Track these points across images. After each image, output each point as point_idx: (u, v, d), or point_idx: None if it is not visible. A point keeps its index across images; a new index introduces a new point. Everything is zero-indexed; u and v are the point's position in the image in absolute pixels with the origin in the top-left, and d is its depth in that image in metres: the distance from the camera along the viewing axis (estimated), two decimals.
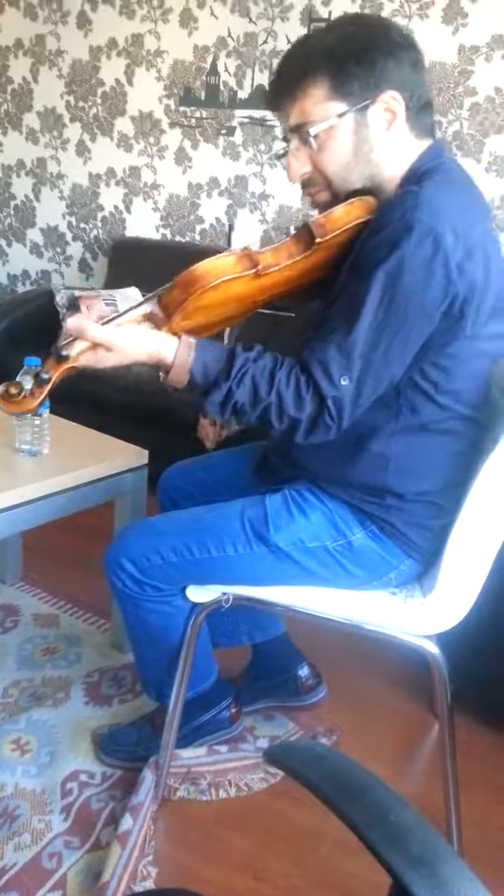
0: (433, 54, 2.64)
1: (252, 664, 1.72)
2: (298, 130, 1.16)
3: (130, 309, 1.17)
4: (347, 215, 1.17)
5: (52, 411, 1.71)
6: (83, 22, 3.38)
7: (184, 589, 1.36)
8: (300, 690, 1.69)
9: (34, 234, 3.87)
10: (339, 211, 1.17)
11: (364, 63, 1.11)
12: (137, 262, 3.22)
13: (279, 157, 1.23)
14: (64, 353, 1.10)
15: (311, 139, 1.15)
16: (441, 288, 1.08)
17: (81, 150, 3.58)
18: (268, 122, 3.03)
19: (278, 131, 3.02)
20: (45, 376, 1.08)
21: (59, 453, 1.71)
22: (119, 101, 3.40)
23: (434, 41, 2.63)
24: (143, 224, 3.49)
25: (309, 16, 2.84)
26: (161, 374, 1.16)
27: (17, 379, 1.11)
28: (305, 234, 1.17)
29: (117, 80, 3.38)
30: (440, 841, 0.57)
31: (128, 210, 3.52)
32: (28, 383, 1.10)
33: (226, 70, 3.09)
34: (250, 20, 2.98)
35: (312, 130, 1.14)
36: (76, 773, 1.52)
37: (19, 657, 1.85)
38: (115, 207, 3.55)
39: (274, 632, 1.66)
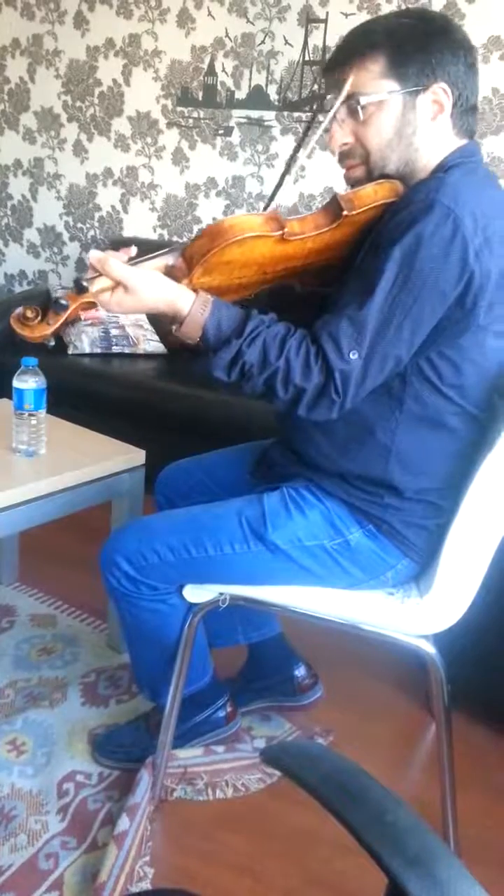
0: None
1: (248, 664, 1.72)
2: (349, 100, 1.18)
3: (153, 256, 1.18)
4: (375, 194, 1.18)
5: (49, 411, 1.71)
6: (80, 22, 3.38)
7: (180, 588, 1.36)
8: (297, 690, 1.69)
9: (31, 234, 3.86)
10: (368, 189, 1.19)
11: (423, 50, 1.14)
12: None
13: (325, 130, 1.23)
14: (84, 283, 1.11)
15: (360, 109, 1.16)
16: (457, 267, 1.08)
17: (78, 150, 3.57)
18: (265, 123, 3.03)
19: (275, 132, 3.02)
20: (63, 303, 1.10)
21: (56, 453, 1.70)
22: (116, 101, 3.40)
23: None
24: (141, 224, 3.49)
25: (306, 16, 2.85)
26: (174, 325, 1.16)
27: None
28: (333, 207, 1.18)
29: (114, 80, 3.38)
30: (437, 841, 0.57)
31: (125, 210, 3.52)
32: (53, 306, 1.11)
33: (223, 70, 3.09)
34: (248, 21, 2.98)
35: (363, 100, 1.16)
36: (73, 774, 1.51)
37: (16, 657, 1.85)
38: (113, 207, 3.55)
39: (270, 632, 1.66)
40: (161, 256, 1.18)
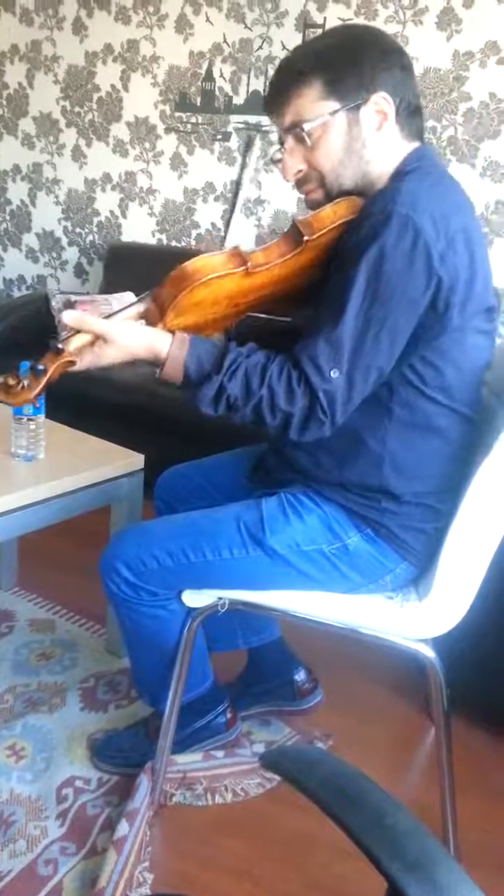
0: (428, 60, 2.66)
1: (248, 669, 1.71)
2: (293, 129, 1.19)
3: (125, 308, 1.20)
4: (335, 214, 1.19)
5: (48, 416, 1.71)
6: (79, 28, 3.39)
7: (179, 593, 1.36)
8: (296, 695, 1.69)
9: (30, 239, 3.87)
10: (327, 210, 1.19)
11: (355, 64, 1.15)
12: (133, 267, 3.22)
13: (275, 161, 1.25)
14: (60, 345, 1.13)
15: (305, 136, 1.18)
16: (424, 274, 1.09)
17: (77, 155, 3.58)
18: (263, 128, 3.04)
19: (274, 136, 3.03)
20: (41, 367, 1.12)
21: (55, 458, 1.70)
22: (115, 106, 3.41)
23: (428, 47, 2.64)
24: (139, 229, 3.49)
25: (304, 22, 2.86)
26: (157, 369, 1.17)
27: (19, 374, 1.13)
28: (294, 234, 1.19)
29: (113, 86, 3.38)
30: (436, 845, 0.57)
31: (123, 215, 3.53)
32: (26, 378, 1.12)
33: (221, 76, 3.10)
34: (245, 26, 2.99)
35: (307, 126, 1.17)
36: (72, 779, 1.51)
37: (15, 662, 1.85)
38: (111, 212, 3.56)
39: (270, 636, 1.66)
40: (132, 306, 1.20)
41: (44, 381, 1.12)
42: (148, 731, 1.55)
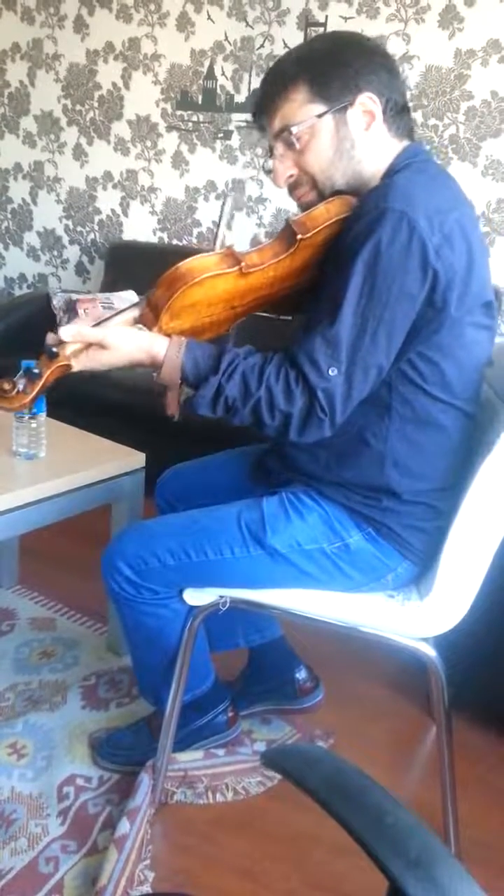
0: (429, 58, 2.66)
1: (249, 667, 1.72)
2: (282, 134, 1.20)
3: (120, 311, 1.20)
4: (328, 212, 1.19)
5: (49, 414, 1.71)
6: (80, 26, 3.39)
7: (181, 592, 1.36)
8: (297, 693, 1.69)
9: (31, 238, 3.87)
10: (320, 209, 1.19)
11: (340, 65, 1.16)
12: (134, 266, 3.22)
13: (267, 171, 1.26)
14: (54, 349, 1.13)
15: (294, 140, 1.18)
16: (419, 270, 1.09)
17: (78, 153, 3.58)
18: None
19: None
20: (36, 371, 1.11)
21: (56, 456, 1.71)
22: (116, 104, 3.40)
23: (430, 45, 2.64)
24: (141, 227, 3.49)
25: (306, 20, 2.85)
26: (154, 373, 1.17)
27: (14, 379, 1.13)
28: (287, 233, 1.19)
29: (114, 84, 3.38)
30: (437, 843, 0.57)
31: (125, 213, 3.52)
32: (22, 382, 1.12)
33: (223, 74, 3.10)
34: (247, 24, 2.99)
35: (295, 130, 1.18)
36: (73, 777, 1.51)
37: (16, 661, 1.85)
38: (112, 211, 3.56)
39: (271, 635, 1.66)
40: (127, 311, 1.20)
41: (39, 385, 1.12)
42: (149, 729, 1.55)
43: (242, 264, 1.15)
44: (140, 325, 1.19)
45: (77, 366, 1.15)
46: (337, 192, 1.21)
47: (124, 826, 1.36)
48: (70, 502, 1.64)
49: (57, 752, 1.57)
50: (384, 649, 1.33)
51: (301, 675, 1.68)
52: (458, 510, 1.21)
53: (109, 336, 1.14)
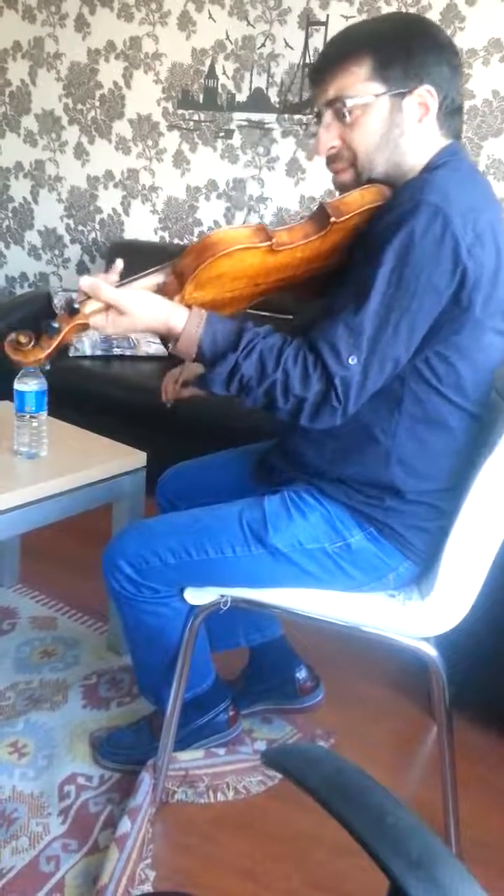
0: None
1: (250, 667, 1.72)
2: (334, 104, 1.18)
3: (143, 275, 1.18)
4: (362, 198, 1.19)
5: (51, 413, 1.71)
6: (81, 25, 3.39)
7: (181, 591, 1.36)
8: (298, 693, 1.69)
9: (32, 237, 3.87)
10: (355, 194, 1.19)
11: (408, 52, 1.15)
12: (135, 265, 3.19)
13: (310, 136, 1.24)
14: (76, 305, 1.11)
15: (346, 112, 1.17)
16: (450, 264, 1.08)
17: (79, 152, 3.58)
18: (266, 126, 3.04)
19: (276, 134, 3.02)
20: (55, 325, 1.10)
21: (58, 455, 1.70)
22: (117, 103, 3.40)
23: None
24: (142, 226, 3.49)
25: (307, 19, 2.85)
26: (170, 343, 1.16)
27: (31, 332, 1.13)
28: (321, 215, 1.19)
29: (115, 83, 3.38)
30: (438, 843, 0.57)
31: (126, 212, 3.52)
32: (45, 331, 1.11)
33: (224, 73, 3.09)
34: (248, 23, 2.99)
35: (349, 102, 1.16)
36: (74, 776, 1.51)
37: (17, 660, 1.85)
38: (114, 210, 3.55)
39: (272, 634, 1.66)
40: (151, 275, 1.18)
41: (57, 340, 1.11)
42: (150, 728, 1.55)
43: (273, 241, 1.15)
44: (159, 293, 1.16)
45: (95, 326, 1.14)
46: (373, 179, 1.20)
47: (125, 825, 1.36)
48: (71, 501, 1.64)
49: (58, 751, 1.57)
50: (385, 649, 1.33)
51: (301, 674, 1.68)
52: (460, 510, 1.21)
53: (127, 299, 1.12)
